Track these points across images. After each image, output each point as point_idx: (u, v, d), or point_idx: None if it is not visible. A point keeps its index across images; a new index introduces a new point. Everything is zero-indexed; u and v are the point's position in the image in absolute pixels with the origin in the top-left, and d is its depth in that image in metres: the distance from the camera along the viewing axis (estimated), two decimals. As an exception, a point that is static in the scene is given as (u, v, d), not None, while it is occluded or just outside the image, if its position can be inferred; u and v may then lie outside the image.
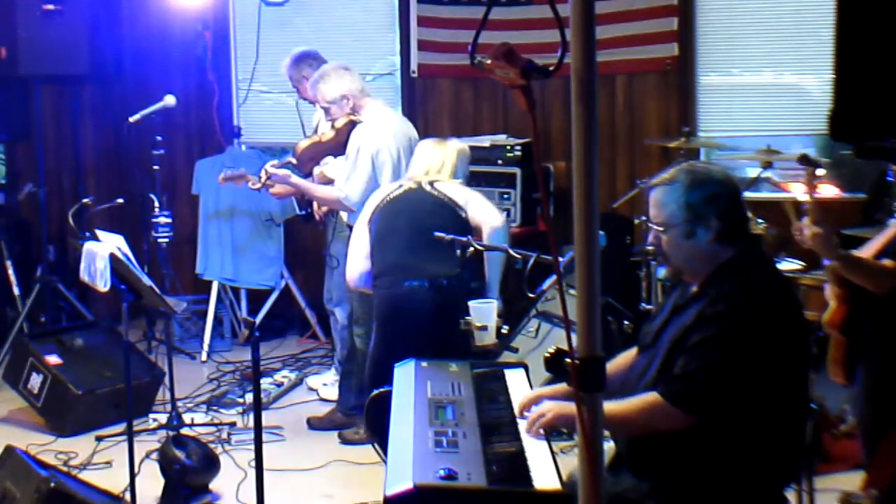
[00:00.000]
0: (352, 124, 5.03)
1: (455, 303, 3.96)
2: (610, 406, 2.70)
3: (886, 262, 3.48)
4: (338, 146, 5.09)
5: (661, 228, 2.82)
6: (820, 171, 3.67)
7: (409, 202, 4.46)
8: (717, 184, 2.80)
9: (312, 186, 5.25)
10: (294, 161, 5.25)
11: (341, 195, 4.94)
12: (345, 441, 5.09)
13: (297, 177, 5.20)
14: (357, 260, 4.57)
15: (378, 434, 3.41)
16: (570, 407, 2.74)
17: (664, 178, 2.84)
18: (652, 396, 2.71)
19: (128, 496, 4.18)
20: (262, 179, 5.18)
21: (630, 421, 2.73)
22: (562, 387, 2.92)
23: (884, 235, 3.65)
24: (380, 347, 4.40)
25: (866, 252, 3.63)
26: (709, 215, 2.76)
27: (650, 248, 2.95)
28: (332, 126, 5.15)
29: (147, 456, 4.75)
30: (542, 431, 2.76)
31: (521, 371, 3.27)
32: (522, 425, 2.82)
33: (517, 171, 6.12)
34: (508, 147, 6.20)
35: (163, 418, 5.24)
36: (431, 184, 4.49)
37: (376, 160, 4.92)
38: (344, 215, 5.13)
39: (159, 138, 6.28)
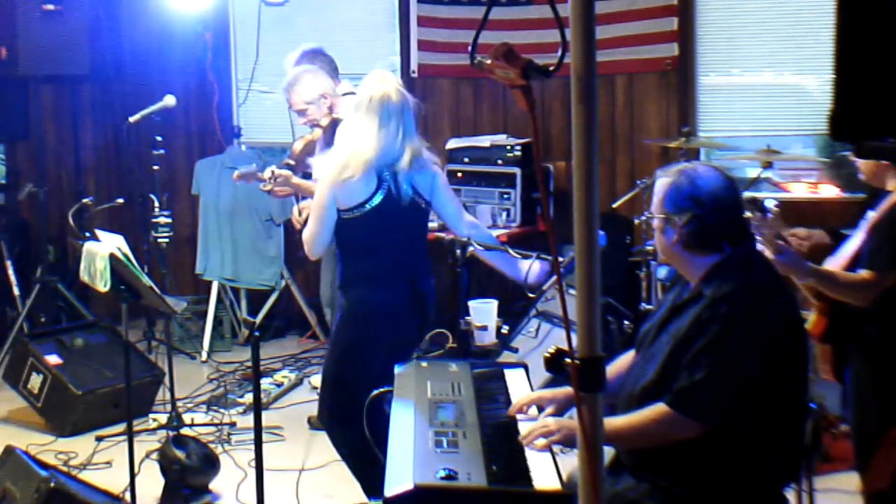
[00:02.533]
0: (336, 121, 5.07)
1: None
2: (618, 422, 2.71)
3: (863, 273, 3.31)
4: (328, 144, 5.12)
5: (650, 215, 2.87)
6: (770, 214, 3.36)
7: (395, 219, 3.98)
8: (701, 188, 2.75)
9: (314, 185, 5.26)
10: (292, 162, 5.26)
11: None
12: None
13: (297, 177, 5.21)
14: (320, 232, 4.08)
15: (377, 435, 3.40)
16: None
17: (668, 171, 2.84)
18: (662, 408, 2.67)
19: (128, 496, 4.18)
20: (270, 180, 5.18)
21: (642, 434, 2.71)
22: (563, 390, 2.91)
23: (853, 243, 3.48)
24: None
25: (837, 262, 3.48)
26: (682, 217, 2.75)
27: (650, 247, 2.94)
28: (318, 125, 5.18)
29: (147, 456, 4.76)
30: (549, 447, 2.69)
31: (521, 371, 3.27)
32: (522, 426, 2.81)
33: (517, 171, 6.12)
34: (508, 147, 6.20)
35: (163, 418, 5.24)
36: (412, 182, 4.01)
37: None
38: None
39: (159, 138, 6.27)
